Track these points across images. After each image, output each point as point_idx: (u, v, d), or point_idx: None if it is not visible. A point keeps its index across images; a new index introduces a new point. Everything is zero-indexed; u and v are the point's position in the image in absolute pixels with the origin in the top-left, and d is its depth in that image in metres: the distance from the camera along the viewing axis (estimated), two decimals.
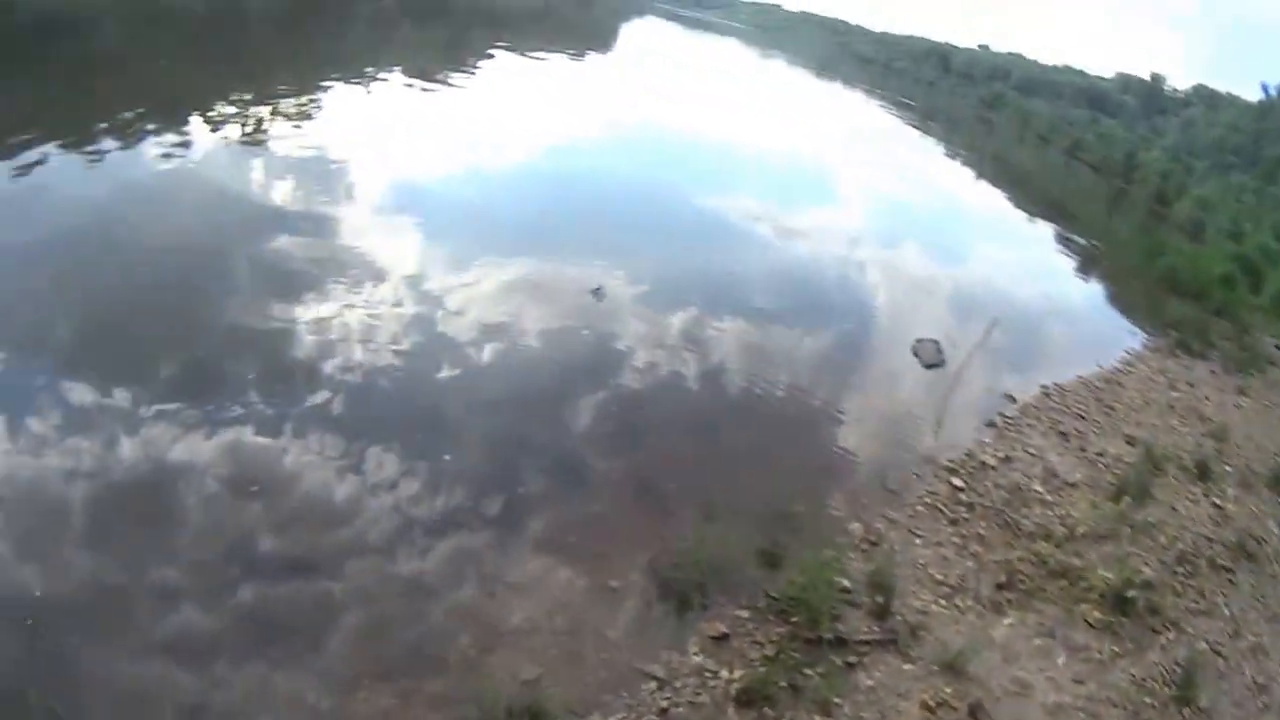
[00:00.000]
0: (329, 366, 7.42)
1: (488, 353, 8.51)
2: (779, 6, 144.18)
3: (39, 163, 10.39)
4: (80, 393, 6.43)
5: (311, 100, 15.98)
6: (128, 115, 12.80)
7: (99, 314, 7.60)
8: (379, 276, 9.10)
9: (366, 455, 6.64)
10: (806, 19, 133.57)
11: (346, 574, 5.55)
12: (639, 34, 59.35)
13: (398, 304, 8.73)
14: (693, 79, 36.77)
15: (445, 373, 7.93)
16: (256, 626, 5.02)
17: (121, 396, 6.46)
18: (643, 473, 7.42)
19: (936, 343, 11.83)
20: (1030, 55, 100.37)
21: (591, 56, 34.12)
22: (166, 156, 11.42)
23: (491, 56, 26.02)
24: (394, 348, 7.98)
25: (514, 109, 18.66)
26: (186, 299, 8.09)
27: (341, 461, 6.53)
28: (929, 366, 11.34)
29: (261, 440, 6.46)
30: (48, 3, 18.09)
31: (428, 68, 20.98)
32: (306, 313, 8.05)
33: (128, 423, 6.22)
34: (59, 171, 10.31)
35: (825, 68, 69.74)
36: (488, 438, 7.28)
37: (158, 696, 4.44)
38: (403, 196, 11.26)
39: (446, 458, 6.88)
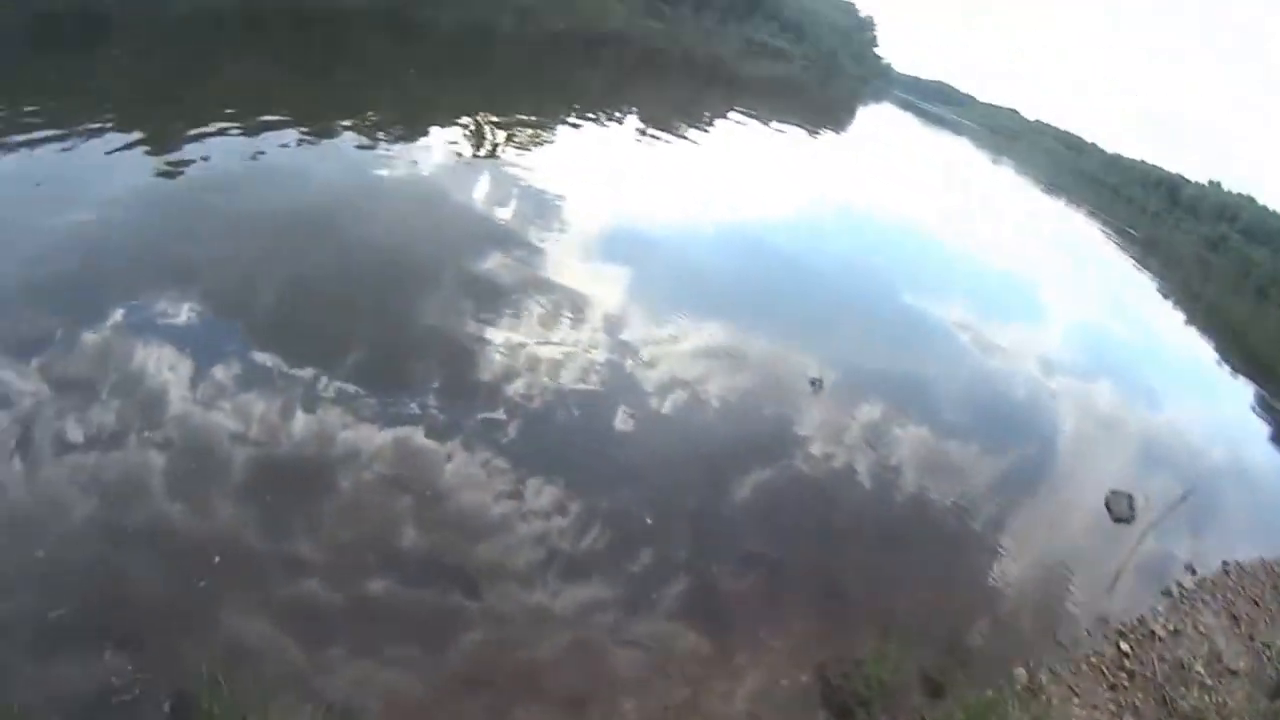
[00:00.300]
0: (511, 389, 7.56)
1: (671, 410, 8.39)
2: (1016, 112, 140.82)
3: (284, 145, 11.59)
4: (269, 358, 6.87)
5: (547, 131, 16.73)
6: (373, 116, 14.15)
7: (305, 289, 8.17)
8: (578, 312, 9.24)
9: (528, 483, 6.67)
10: (1041, 129, 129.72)
11: (480, 588, 5.58)
12: (874, 119, 59.01)
13: (591, 344, 8.84)
14: (919, 172, 36.02)
15: (624, 422, 7.89)
16: (377, 618, 5.09)
17: (307, 370, 6.86)
18: (825, 572, 7.18)
19: (1130, 497, 11.01)
20: (1263, 200, 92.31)
21: (826, 134, 33.92)
22: (401, 159, 12.43)
23: (727, 117, 26.37)
24: (578, 386, 8.05)
25: (739, 172, 18.79)
26: (391, 292, 8.59)
27: (502, 482, 6.59)
28: (1118, 520, 10.63)
29: (430, 443, 6.62)
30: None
31: (664, 118, 21.47)
32: (500, 333, 8.28)
33: (306, 396, 6.58)
34: (299, 155, 11.44)
35: (1052, 182, 66.79)
36: (656, 494, 7.13)
37: (260, 654, 4.57)
38: (616, 239, 11.47)
39: (607, 504, 6.79)
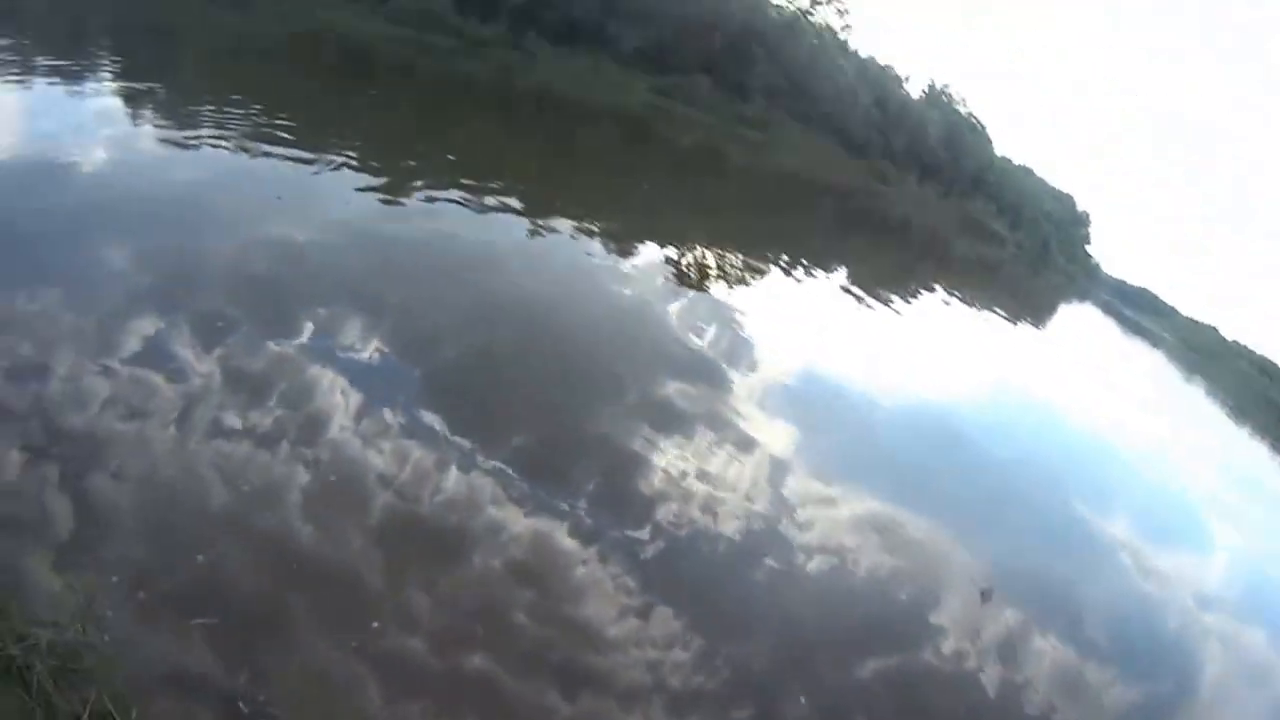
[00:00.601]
0: (661, 513, 7.17)
1: (815, 574, 7.70)
2: (1215, 330, 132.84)
3: (506, 222, 12.36)
4: (436, 415, 6.85)
5: (757, 268, 16.77)
6: (596, 218, 14.70)
7: (489, 362, 8.27)
8: (745, 453, 8.81)
9: (655, 608, 6.20)
10: (1238, 352, 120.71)
11: (578, 694, 5.10)
12: (1074, 318, 56.40)
13: (752, 489, 8.30)
14: (1109, 379, 34.28)
15: (765, 575, 7.29)
16: (467, 691, 4.76)
17: (470, 438, 6.77)
18: None
19: None
20: None
21: (1025, 326, 32.73)
22: (612, 267, 12.68)
23: (933, 291, 25.89)
24: (728, 528, 7.52)
25: (934, 348, 18.11)
26: (569, 388, 8.49)
27: (629, 600, 6.16)
28: None
29: (570, 543, 6.32)
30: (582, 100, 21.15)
31: (872, 281, 21.28)
32: (665, 457, 7.95)
33: (463, 462, 6.46)
34: (516, 234, 12.14)
35: (1241, 409, 61.29)
36: (780, 652, 6.47)
37: (338, 689, 4.38)
38: (800, 390, 11.06)
39: (728, 651, 6.17)
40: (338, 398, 6.57)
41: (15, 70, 19.51)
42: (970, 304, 26.66)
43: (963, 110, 78.73)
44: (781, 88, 60.78)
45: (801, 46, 62.93)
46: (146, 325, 6.82)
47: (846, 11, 69.37)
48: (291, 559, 4.91)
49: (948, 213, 66.50)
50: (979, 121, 79.79)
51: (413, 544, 5.50)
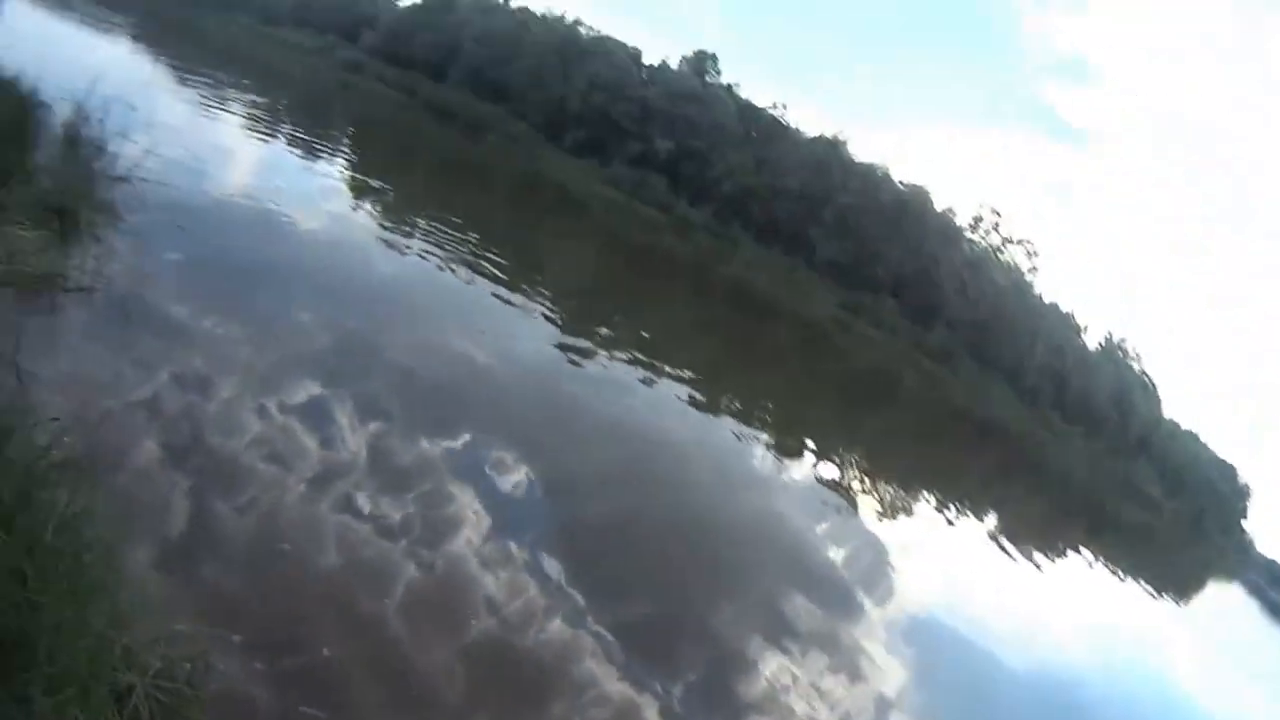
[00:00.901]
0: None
1: None
2: None
3: (671, 390, 12.33)
4: (559, 561, 6.52)
5: (906, 494, 15.94)
6: (762, 411, 14.08)
7: (630, 522, 7.96)
8: (852, 681, 7.92)
9: None
10: None
11: None
12: (1217, 597, 50.71)
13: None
14: (1242, 676, 30.29)
15: None
16: None
17: (586, 592, 6.37)
18: None
19: None
20: None
21: (1167, 600, 29.61)
22: (764, 458, 12.33)
23: (1078, 550, 23.97)
24: None
25: (1066, 610, 16.43)
26: (695, 569, 8.03)
27: None
28: None
29: None
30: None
31: (1020, 533, 19.87)
32: (774, 665, 7.23)
33: (572, 613, 6.05)
34: (677, 411, 11.95)
35: None
36: None
37: None
38: (922, 631, 10.03)
39: None
40: (470, 514, 6.42)
41: (266, 130, 21.60)
42: (1115, 570, 24.67)
43: (1136, 367, 75.62)
44: (964, 321, 60.56)
45: (988, 284, 62.90)
46: (313, 386, 7.04)
47: (1036, 254, 69.43)
48: (380, 649, 4.69)
49: (1108, 472, 62.94)
50: (1150, 381, 76.14)
51: (499, 673, 5.16)
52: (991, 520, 19.09)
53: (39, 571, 2.86)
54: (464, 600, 5.49)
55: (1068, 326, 70.53)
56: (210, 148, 14.31)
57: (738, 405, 14.35)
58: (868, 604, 9.61)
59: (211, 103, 22.15)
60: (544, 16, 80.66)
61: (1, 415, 3.62)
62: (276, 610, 4.48)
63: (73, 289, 6.50)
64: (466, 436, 7.60)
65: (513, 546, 6.35)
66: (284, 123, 25.96)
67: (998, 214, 69.53)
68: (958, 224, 68.59)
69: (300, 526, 5.23)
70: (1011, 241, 69.39)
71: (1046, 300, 69.72)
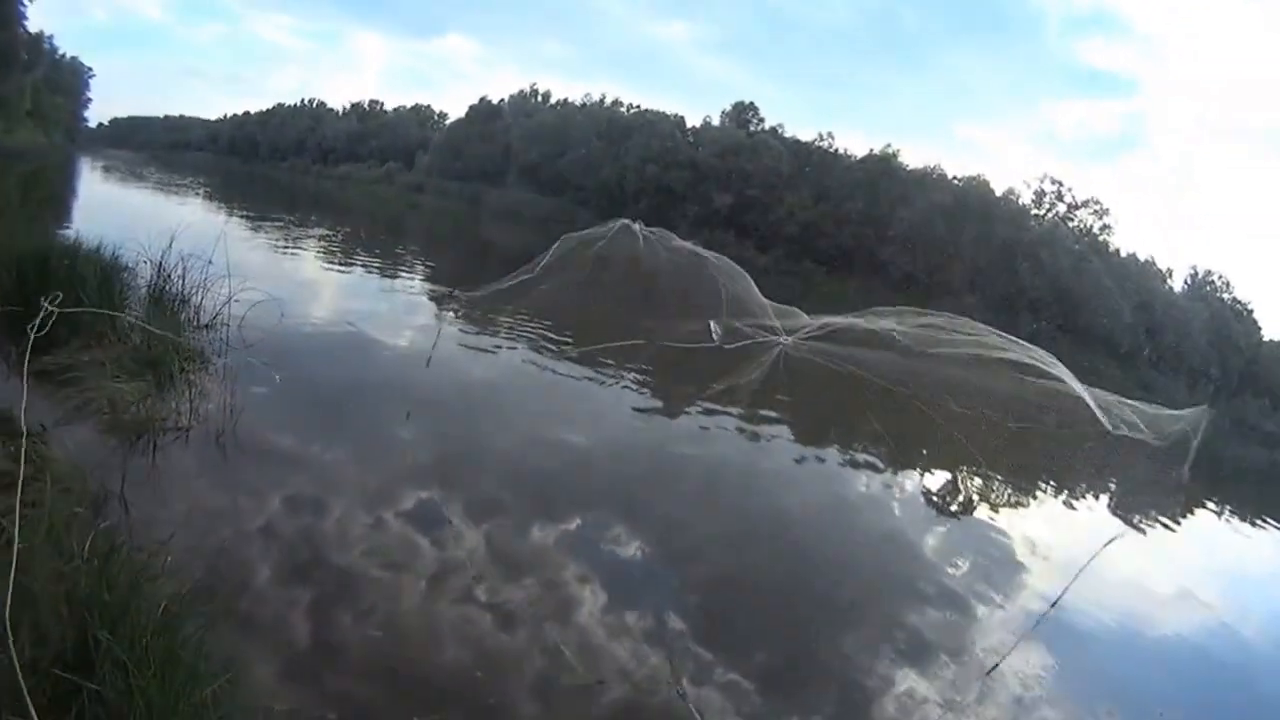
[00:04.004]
0: None
1: None
2: None
3: (767, 435, 12.17)
4: (677, 623, 6.37)
5: (1021, 496, 15.12)
6: (860, 441, 13.89)
7: (737, 576, 7.78)
8: (986, 684, 7.42)
9: None
10: None
11: None
12: None
13: None
14: None
15: None
16: None
17: (705, 648, 6.17)
18: None
19: None
20: None
21: None
22: (870, 483, 12.09)
23: (1203, 505, 22.18)
24: None
25: (1201, 568, 15.15)
26: (814, 606, 7.73)
27: None
28: None
29: None
30: None
31: (1135, 503, 18.54)
32: (901, 683, 6.81)
33: (693, 671, 5.83)
34: (776, 454, 11.84)
35: None
36: None
37: None
38: (1051, 623, 9.36)
39: None
40: (587, 593, 6.35)
41: (340, 260, 22.41)
42: (1245, 517, 22.96)
43: (1227, 298, 70.83)
44: (1046, 302, 58.94)
45: (1063, 255, 60.94)
46: (422, 492, 7.10)
47: (1106, 212, 66.90)
48: None
49: (1217, 417, 59.40)
50: (1245, 308, 70.87)
51: None
52: (1108, 497, 18.13)
53: (137, 665, 3.16)
54: (591, 675, 5.33)
55: (1151, 276, 67.42)
56: (290, 284, 14.89)
57: (837, 437, 14.03)
58: (996, 607, 9.13)
59: (284, 243, 23.23)
60: (584, 105, 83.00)
61: (108, 536, 4.02)
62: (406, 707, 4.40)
63: (170, 429, 6.71)
64: (574, 518, 7.58)
65: (632, 617, 6.22)
66: (357, 251, 27.03)
67: (1058, 183, 67.48)
68: (1022, 204, 67.02)
69: (421, 626, 5.22)
70: (1078, 206, 67.16)
71: (1125, 254, 66.97)
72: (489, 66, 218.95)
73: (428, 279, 22.98)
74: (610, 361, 14.55)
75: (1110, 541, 7.81)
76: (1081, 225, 66.49)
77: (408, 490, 7.06)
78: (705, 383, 14.85)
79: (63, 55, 76.57)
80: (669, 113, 77.47)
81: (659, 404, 12.97)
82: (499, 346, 14.03)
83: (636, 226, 7.86)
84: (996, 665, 7.73)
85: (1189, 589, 12.54)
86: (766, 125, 74.82)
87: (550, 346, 14.81)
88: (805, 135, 72.46)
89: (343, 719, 4.14)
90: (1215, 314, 67.41)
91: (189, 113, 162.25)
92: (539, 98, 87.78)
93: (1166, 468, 25.89)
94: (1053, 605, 9.20)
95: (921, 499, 12.47)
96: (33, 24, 56.09)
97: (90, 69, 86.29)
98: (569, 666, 5.25)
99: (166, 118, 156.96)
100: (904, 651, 7.30)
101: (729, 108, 76.90)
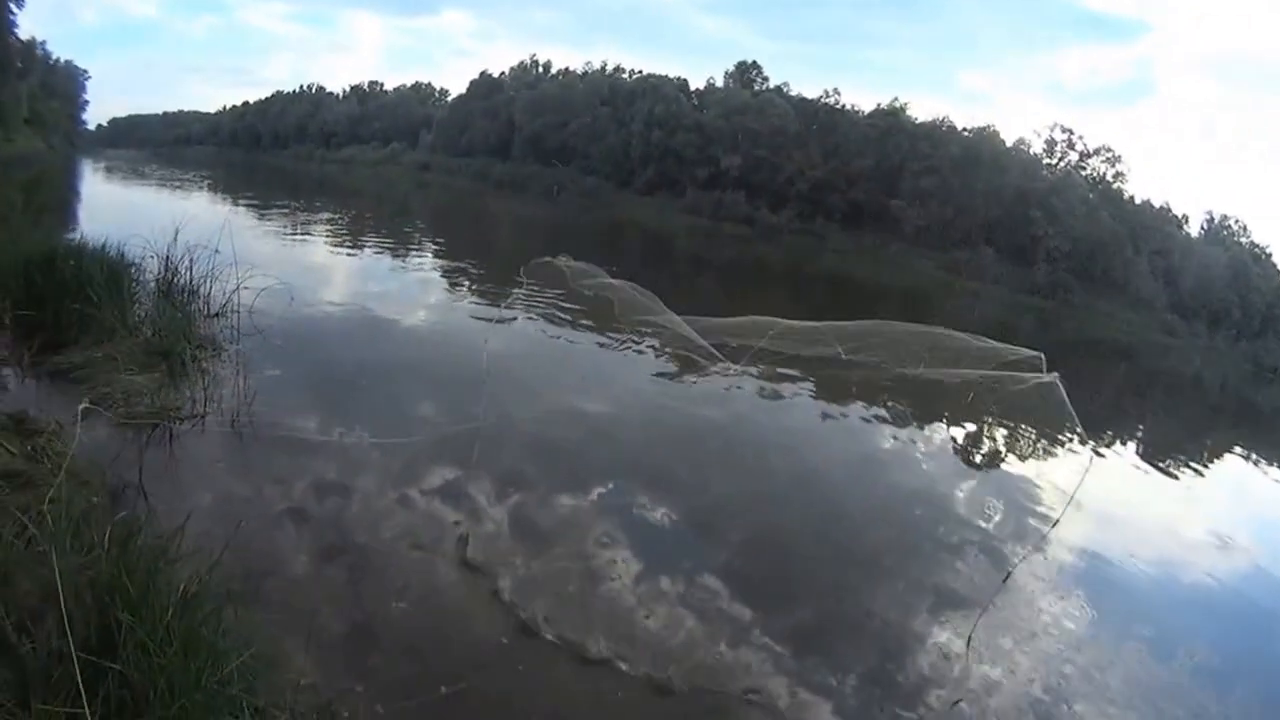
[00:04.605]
0: (932, 693, 5.97)
1: None
2: None
3: (790, 394, 12.31)
4: (711, 585, 6.36)
5: (1047, 445, 15.03)
6: (885, 396, 13.83)
7: (767, 535, 7.76)
8: (1022, 634, 7.38)
9: None
10: None
11: None
12: None
13: (1028, 676, 6.96)
14: None
15: None
16: None
17: (740, 609, 6.19)
18: None
19: None
20: None
21: None
22: (897, 438, 12.10)
23: (1230, 451, 22.12)
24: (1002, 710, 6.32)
25: (1230, 516, 15.06)
26: (848, 564, 7.73)
27: None
28: None
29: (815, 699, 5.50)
30: None
31: (1163, 447, 18.37)
32: (938, 635, 6.75)
33: (730, 634, 5.87)
34: (801, 412, 11.99)
35: None
36: None
37: None
38: (1081, 572, 9.24)
39: None
40: (619, 561, 6.33)
41: (349, 243, 22.44)
42: (1271, 461, 22.80)
43: (1245, 241, 70.60)
44: (1061, 251, 58.61)
45: (1077, 204, 60.57)
46: (446, 471, 7.09)
47: (1118, 159, 66.36)
48: (533, 695, 4.63)
49: (1238, 360, 58.94)
50: (1263, 250, 70.70)
51: (670, 705, 5.01)
52: (1132, 443, 18.00)
53: (159, 645, 3.24)
54: (626, 642, 5.34)
55: (1166, 221, 66.83)
56: (298, 270, 14.91)
57: (861, 393, 13.98)
58: (1027, 556, 9.14)
59: (290, 230, 23.27)
60: (585, 73, 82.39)
61: (125, 524, 4.08)
62: (429, 688, 4.42)
63: (186, 417, 6.74)
64: (600, 488, 7.56)
65: (664, 582, 6.22)
66: (365, 232, 27.07)
67: (1069, 131, 67.03)
68: (1033, 153, 66.64)
69: (446, 598, 5.27)
70: (1090, 155, 66.60)
71: (1139, 201, 66.22)
72: (487, 40, 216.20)
73: (437, 256, 23.03)
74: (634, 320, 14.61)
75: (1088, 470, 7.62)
76: (1094, 173, 66.02)
77: (430, 470, 7.05)
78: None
79: (57, 60, 77.23)
80: (672, 76, 77.06)
81: (677, 368, 12.79)
82: (519, 316, 13.88)
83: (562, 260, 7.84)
84: (1029, 613, 7.73)
85: (1213, 529, 12.48)
86: (771, 84, 74.36)
87: (565, 311, 14.78)
88: (810, 92, 71.99)
89: (370, 691, 4.16)
90: (1234, 258, 66.89)
91: (188, 108, 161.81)
92: (540, 69, 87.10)
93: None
94: (1052, 526, 9.12)
95: (952, 449, 12.57)
96: (23, 31, 56.35)
97: (85, 71, 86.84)
98: (602, 633, 5.28)
99: (166, 114, 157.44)
100: (939, 604, 7.23)
101: (732, 68, 76.53)
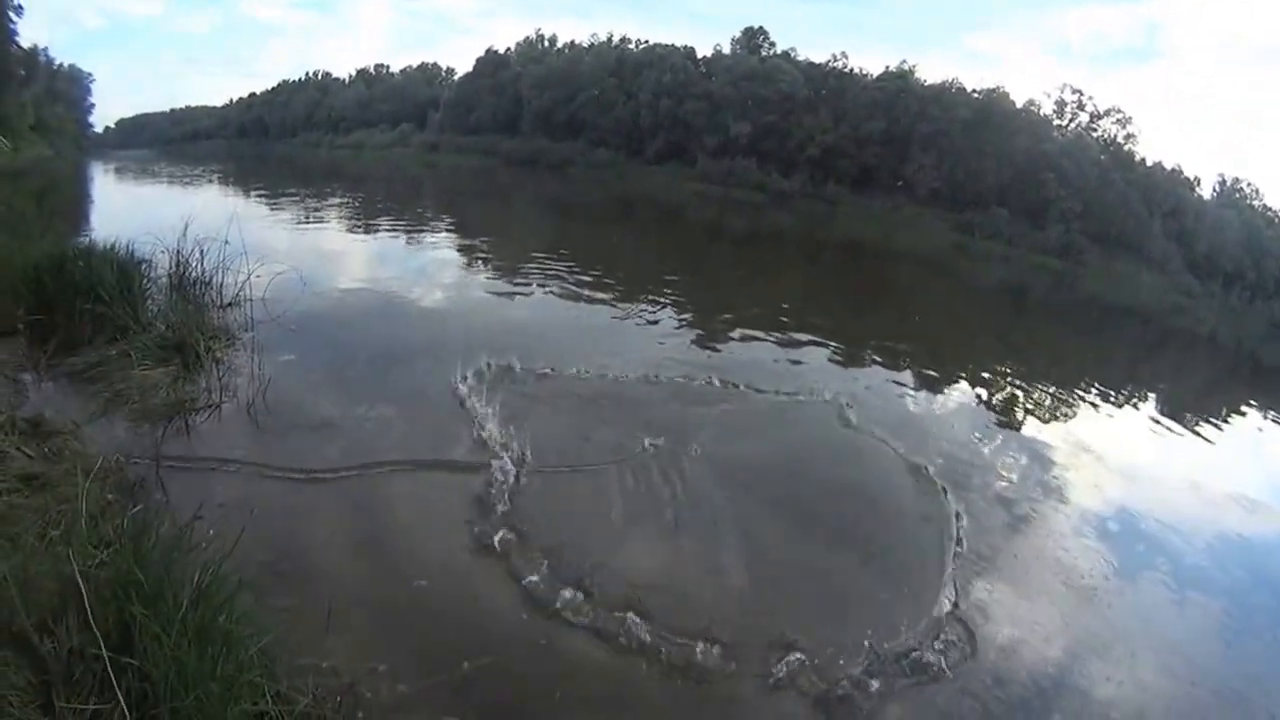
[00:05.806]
0: (955, 650, 5.99)
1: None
2: None
3: (807, 358, 12.08)
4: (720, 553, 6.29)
5: (1064, 401, 14.91)
6: (904, 358, 13.88)
7: (783, 500, 7.55)
8: (1044, 588, 7.37)
9: None
10: None
11: None
12: None
13: (1050, 634, 6.89)
14: None
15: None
16: None
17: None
18: None
19: None
20: None
21: None
22: (916, 397, 12.16)
23: (1243, 414, 21.90)
24: (1028, 666, 6.23)
25: (1246, 475, 14.92)
26: (876, 524, 7.49)
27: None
28: None
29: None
30: None
31: (1176, 406, 18.21)
32: (966, 595, 6.76)
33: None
34: (817, 375, 11.50)
35: None
36: None
37: None
38: (1103, 528, 9.23)
39: None
40: (643, 533, 6.27)
41: (361, 227, 22.45)
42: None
43: (1258, 204, 70.08)
44: (1074, 212, 58.47)
45: (1089, 166, 60.20)
46: (467, 437, 7.11)
47: (1129, 120, 65.81)
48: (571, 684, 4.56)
49: (1254, 320, 58.38)
50: (1275, 213, 70.20)
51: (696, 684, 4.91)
52: (1150, 402, 17.81)
53: (174, 636, 3.27)
54: (650, 617, 5.23)
55: (1179, 184, 66.19)
56: (311, 255, 14.93)
57: (879, 355, 13.88)
58: (1049, 513, 9.03)
59: (302, 217, 23.22)
60: (591, 46, 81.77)
61: (138, 519, 4.07)
62: (445, 662, 4.43)
63: (202, 408, 6.76)
64: (624, 456, 7.40)
65: (694, 556, 6.13)
66: (378, 215, 27.01)
67: (1079, 92, 66.68)
68: (1043, 115, 66.28)
69: (467, 575, 5.23)
70: (1100, 116, 66.21)
71: (1151, 163, 65.59)
72: (490, 17, 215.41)
73: (451, 233, 23.00)
74: (649, 290, 14.52)
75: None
76: (1105, 135, 65.57)
77: (455, 432, 7.11)
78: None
79: (60, 65, 76.82)
80: (679, 45, 76.44)
81: (702, 326, 12.98)
82: (535, 289, 14.09)
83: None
84: (1050, 572, 7.68)
85: (1229, 493, 12.37)
86: (778, 49, 73.63)
87: (580, 282, 14.91)
88: (818, 57, 71.41)
89: (392, 669, 4.17)
90: (1246, 221, 66.49)
91: (195, 103, 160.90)
92: (545, 43, 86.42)
93: None
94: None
95: (971, 408, 12.52)
96: (24, 39, 56.77)
97: (90, 74, 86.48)
98: (623, 608, 5.21)
99: (173, 111, 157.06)
100: (963, 563, 7.23)
101: (739, 34, 75.68)
